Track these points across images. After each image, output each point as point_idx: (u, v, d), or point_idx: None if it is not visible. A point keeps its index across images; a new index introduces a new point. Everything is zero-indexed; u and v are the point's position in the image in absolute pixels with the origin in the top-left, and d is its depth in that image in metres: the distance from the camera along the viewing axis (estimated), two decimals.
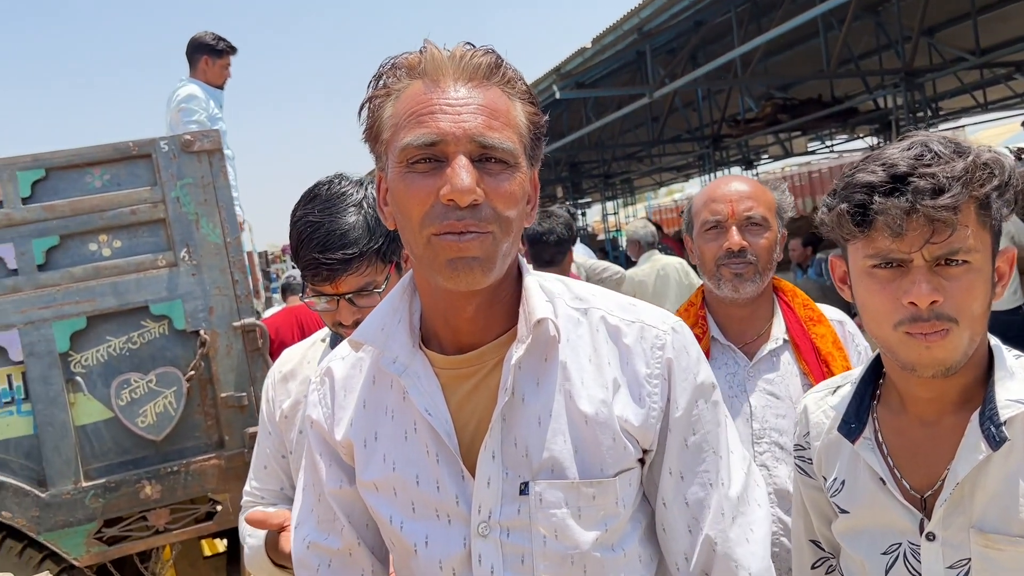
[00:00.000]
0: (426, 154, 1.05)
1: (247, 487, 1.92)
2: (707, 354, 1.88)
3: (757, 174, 17.76)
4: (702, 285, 2.00)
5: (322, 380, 1.28)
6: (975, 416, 1.21)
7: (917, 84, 10.45)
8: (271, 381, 1.88)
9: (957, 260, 1.15)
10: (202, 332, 3.09)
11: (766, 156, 18.04)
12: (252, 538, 1.79)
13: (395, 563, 1.24)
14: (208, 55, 4.76)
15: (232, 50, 4.84)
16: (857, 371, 1.38)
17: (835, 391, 1.41)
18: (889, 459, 1.29)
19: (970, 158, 1.15)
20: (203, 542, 3.85)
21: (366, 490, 1.20)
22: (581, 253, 5.65)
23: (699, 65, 9.29)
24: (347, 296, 1.62)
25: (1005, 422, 1.18)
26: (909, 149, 1.17)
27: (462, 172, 1.02)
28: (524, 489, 1.11)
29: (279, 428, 1.81)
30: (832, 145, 17.92)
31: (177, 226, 3.10)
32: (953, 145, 1.17)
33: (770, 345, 1.89)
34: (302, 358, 1.85)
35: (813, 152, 18.35)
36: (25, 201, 2.99)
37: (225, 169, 3.21)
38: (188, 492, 3.11)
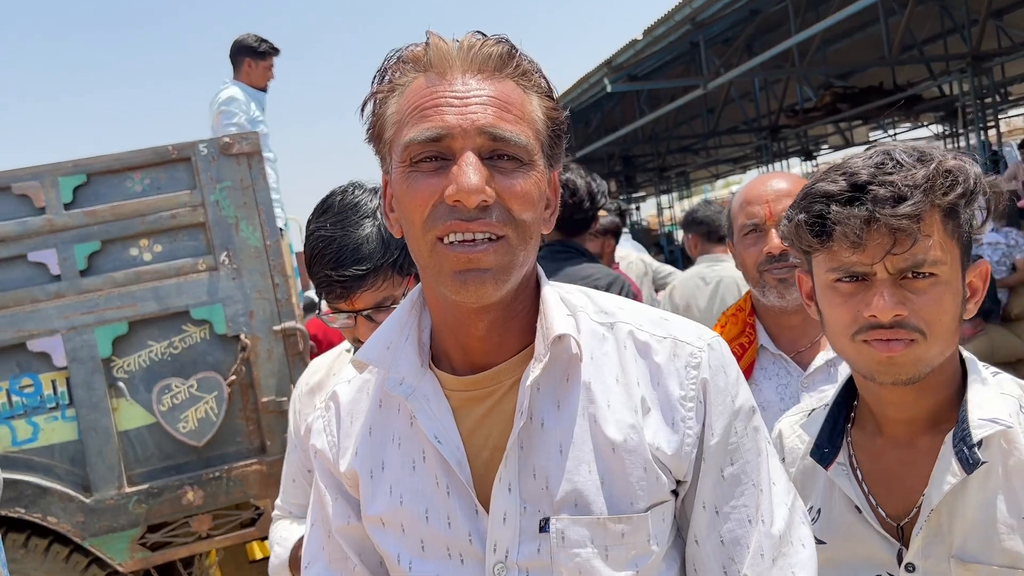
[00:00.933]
0: (431, 151, 0.95)
1: (279, 500, 1.91)
2: (754, 364, 1.75)
3: (816, 165, 17.30)
4: (750, 290, 1.87)
5: (327, 406, 1.18)
6: (949, 437, 1.13)
7: (984, 69, 10.04)
8: (298, 393, 1.85)
9: (923, 272, 1.09)
10: (243, 336, 3.06)
11: (826, 146, 17.58)
12: (279, 547, 1.79)
13: None
14: (250, 57, 4.75)
15: (274, 51, 4.82)
16: (831, 393, 1.30)
17: (809, 414, 1.31)
18: (864, 485, 1.21)
19: (932, 165, 1.09)
20: (249, 546, 3.84)
21: (372, 526, 1.09)
22: (631, 248, 5.49)
23: (755, 54, 9.05)
24: (364, 313, 1.54)
25: (980, 443, 1.10)
26: (871, 158, 1.12)
27: (469, 170, 0.92)
28: (544, 526, 1.00)
29: (304, 442, 1.76)
30: (895, 134, 17.37)
31: (217, 230, 3.07)
32: (917, 153, 1.11)
33: (827, 354, 1.74)
34: (328, 370, 1.80)
35: (875, 142, 17.81)
36: (67, 207, 3.00)
37: (264, 171, 3.17)
38: (230, 498, 3.09)
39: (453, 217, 0.94)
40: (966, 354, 1.21)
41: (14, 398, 2.97)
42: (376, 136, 1.03)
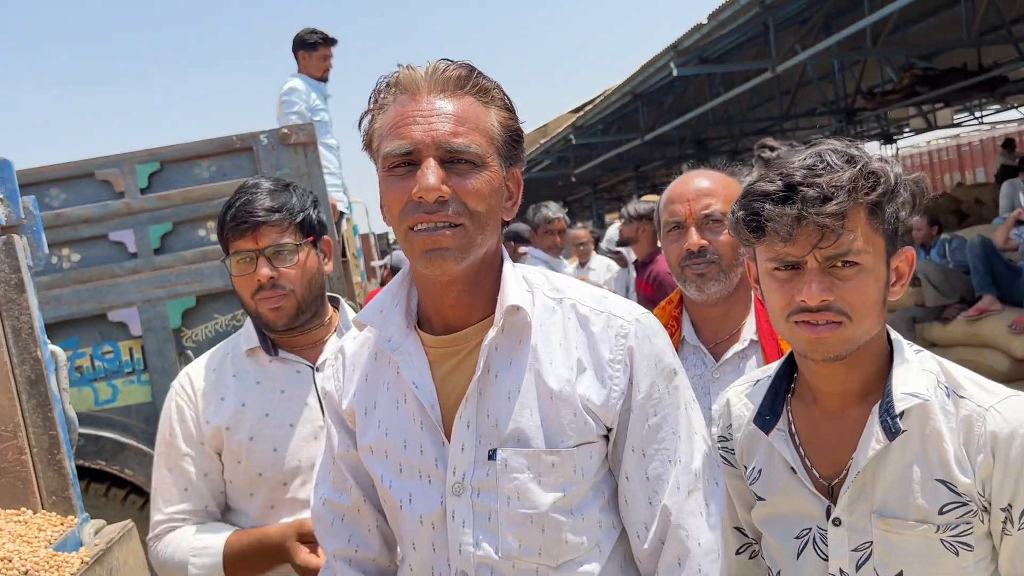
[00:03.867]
0: (403, 160, 1.19)
1: (160, 513, 1.85)
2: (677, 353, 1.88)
3: (898, 149, 16.80)
4: None
5: (336, 356, 1.45)
6: (875, 408, 1.27)
7: None
8: (185, 399, 1.86)
9: (849, 262, 1.22)
10: None
11: (908, 129, 17.02)
12: (202, 558, 1.76)
13: (388, 518, 1.39)
14: (304, 50, 5.05)
15: (327, 42, 5.09)
16: (774, 366, 1.45)
17: (755, 384, 1.46)
18: (800, 449, 1.36)
19: (858, 167, 1.21)
20: None
21: (364, 453, 1.36)
22: None
23: (833, 34, 8.89)
24: (265, 251, 1.77)
25: (901, 414, 1.25)
26: (806, 159, 1.25)
27: (428, 173, 1.17)
28: (492, 455, 1.24)
29: (211, 444, 1.81)
30: (981, 117, 16.69)
31: None
32: (847, 155, 1.24)
33: (737, 346, 1.84)
34: (217, 373, 1.88)
35: (960, 124, 17.16)
36: (143, 192, 3.32)
37: (319, 160, 3.42)
38: None
39: (419, 211, 1.18)
40: (893, 334, 1.35)
41: (96, 363, 3.32)
42: (368, 145, 1.28)
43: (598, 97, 14.37)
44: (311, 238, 1.83)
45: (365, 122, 1.27)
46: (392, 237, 11.32)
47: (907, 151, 20.84)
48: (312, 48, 5.06)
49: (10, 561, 1.51)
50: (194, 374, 1.89)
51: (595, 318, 1.28)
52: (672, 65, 9.63)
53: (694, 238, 1.82)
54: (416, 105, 1.20)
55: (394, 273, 6.89)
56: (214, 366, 1.89)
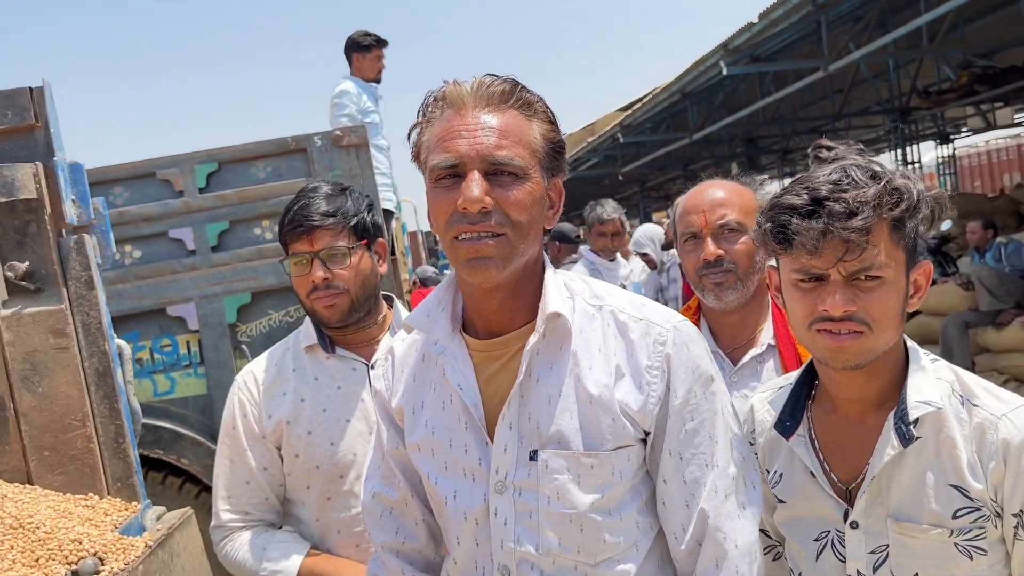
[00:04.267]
0: (449, 172, 1.25)
1: (223, 504, 1.94)
2: None
3: (955, 149, 16.40)
4: None
5: (386, 357, 1.52)
6: (891, 416, 1.31)
7: None
8: (247, 395, 1.94)
9: (871, 275, 1.26)
10: None
11: (965, 129, 16.62)
12: (272, 563, 1.85)
13: (434, 513, 1.46)
14: (357, 52, 5.14)
15: (379, 44, 5.18)
16: (795, 373, 1.48)
17: (778, 391, 1.49)
18: (820, 454, 1.40)
19: (882, 184, 1.25)
20: None
21: (411, 450, 1.43)
22: None
23: (888, 32, 8.75)
24: (319, 253, 1.85)
25: (916, 421, 1.28)
26: (831, 174, 1.28)
27: (472, 185, 1.22)
28: (533, 456, 1.29)
29: (272, 438, 1.91)
30: None
31: None
32: (871, 171, 1.27)
33: (755, 351, 1.88)
34: (279, 368, 1.97)
35: (1021, 124, 16.69)
36: (201, 191, 3.43)
37: (371, 162, 3.50)
38: None
39: (464, 221, 1.24)
40: (909, 343, 1.38)
41: (156, 356, 3.45)
42: (416, 157, 1.34)
43: (647, 96, 14.31)
44: (365, 241, 1.90)
45: (414, 135, 1.33)
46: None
47: (964, 151, 20.31)
48: (366, 50, 5.15)
49: (80, 543, 1.61)
50: (256, 370, 1.98)
51: (634, 325, 1.32)
52: (722, 64, 9.56)
53: (710, 248, 1.86)
54: (462, 120, 1.25)
55: (423, 285, 6.99)
56: (275, 361, 1.98)
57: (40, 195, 1.93)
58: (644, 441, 1.32)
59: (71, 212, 1.96)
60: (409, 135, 1.34)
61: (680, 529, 1.31)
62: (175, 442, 3.42)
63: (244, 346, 3.47)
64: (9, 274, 1.92)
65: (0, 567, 1.50)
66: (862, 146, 1.41)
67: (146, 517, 1.94)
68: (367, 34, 5.17)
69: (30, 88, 1.95)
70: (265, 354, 2.02)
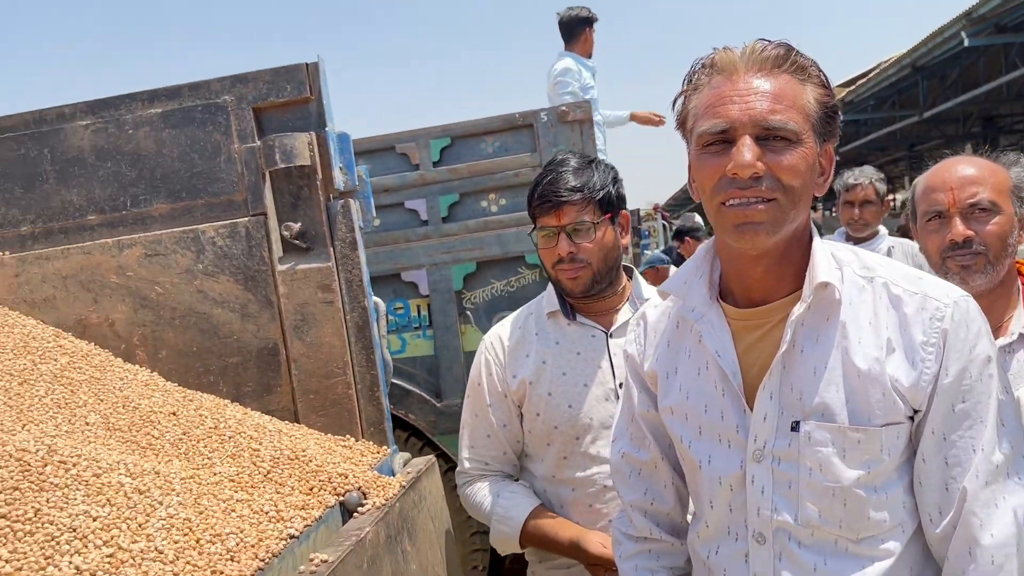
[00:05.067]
0: (718, 138, 1.25)
1: (466, 454, 2.08)
2: None
3: None
4: None
5: (638, 322, 1.55)
6: None
7: None
8: (493, 355, 2.05)
9: None
10: None
11: None
12: (505, 525, 1.96)
13: (686, 477, 1.47)
14: (578, 28, 5.16)
15: (594, 19, 5.20)
16: None
17: None
18: None
19: None
20: None
21: (664, 414, 1.45)
22: None
23: None
24: (565, 227, 1.88)
25: None
26: None
27: (744, 150, 1.21)
28: (796, 427, 1.27)
29: (515, 397, 2.01)
30: None
31: None
32: None
33: (1004, 340, 1.71)
34: (523, 331, 2.05)
35: None
36: (435, 165, 3.63)
37: (594, 137, 3.55)
38: None
39: (733, 186, 1.23)
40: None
41: (390, 317, 3.69)
42: (681, 124, 1.34)
43: (872, 70, 13.39)
44: (609, 214, 1.93)
45: (679, 103, 1.34)
46: (643, 213, 11.37)
47: None
48: (586, 24, 5.18)
49: (346, 477, 1.78)
50: (502, 333, 2.08)
51: (908, 299, 1.26)
52: (963, 35, 8.77)
53: (959, 228, 1.74)
54: (733, 85, 1.24)
55: (683, 236, 6.96)
56: (519, 324, 2.07)
57: (313, 162, 2.12)
58: (912, 419, 1.27)
59: (339, 178, 2.14)
60: (674, 103, 1.35)
61: (936, 511, 1.26)
62: (404, 398, 3.66)
63: (468, 312, 3.65)
64: (285, 233, 2.14)
65: (283, 491, 1.69)
66: None
67: (395, 461, 2.11)
68: (584, 8, 5.20)
69: (306, 64, 2.15)
70: (510, 317, 2.12)
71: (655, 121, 5.53)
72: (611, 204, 1.94)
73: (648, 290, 2.05)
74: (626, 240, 2.01)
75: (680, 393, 1.40)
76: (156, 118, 2.18)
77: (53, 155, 2.21)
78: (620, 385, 1.90)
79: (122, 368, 2.10)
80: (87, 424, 1.77)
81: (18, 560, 1.21)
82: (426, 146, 3.62)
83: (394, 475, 2.00)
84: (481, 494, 2.03)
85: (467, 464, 2.09)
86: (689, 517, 1.52)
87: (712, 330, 1.35)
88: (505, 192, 3.60)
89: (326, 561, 1.43)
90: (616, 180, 1.99)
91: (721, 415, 1.34)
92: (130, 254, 2.17)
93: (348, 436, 2.12)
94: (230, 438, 1.86)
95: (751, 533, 1.31)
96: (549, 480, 1.99)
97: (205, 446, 1.81)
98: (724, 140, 1.24)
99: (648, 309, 1.53)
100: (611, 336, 1.96)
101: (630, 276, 2.08)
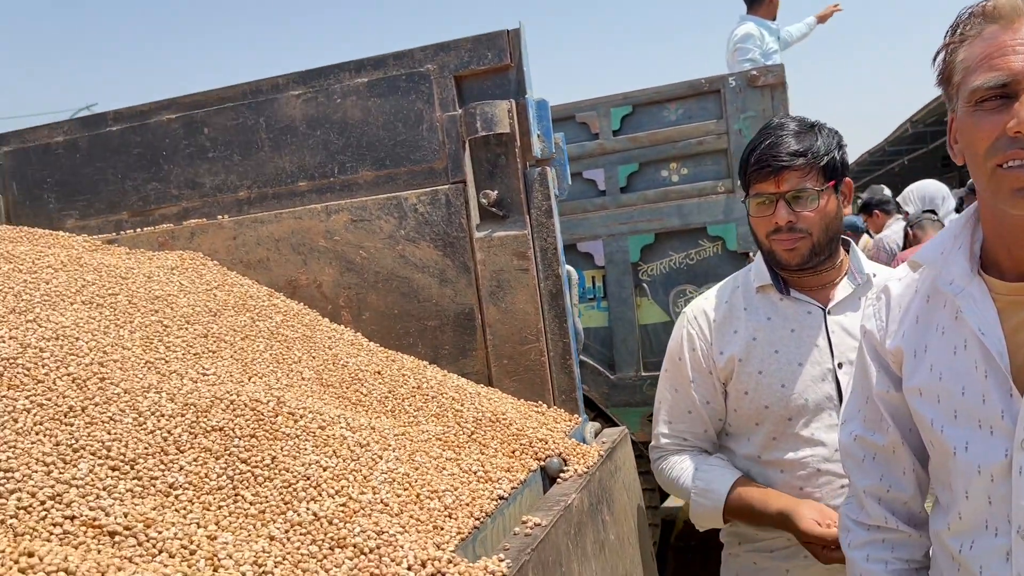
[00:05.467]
0: (996, 93, 1.12)
1: (663, 429, 2.00)
2: None
3: None
4: None
5: (878, 296, 1.44)
6: None
7: None
8: (697, 330, 1.96)
9: None
10: (751, 254, 3.38)
11: None
12: (705, 499, 1.88)
13: (932, 463, 1.36)
14: None
15: None
16: None
17: None
18: None
19: None
20: None
21: (910, 395, 1.34)
22: None
23: None
24: (785, 194, 1.76)
25: None
26: None
27: None
28: None
29: (721, 374, 1.91)
30: None
31: (737, 156, 3.38)
32: None
33: None
34: (729, 305, 1.95)
35: None
36: (615, 134, 3.58)
37: (786, 103, 3.38)
38: None
39: (1014, 146, 1.10)
40: None
41: None
42: (945, 80, 1.22)
43: None
44: (832, 181, 1.82)
45: (940, 57, 1.22)
46: None
47: None
48: None
49: (546, 443, 1.79)
50: (707, 307, 2.01)
51: None
52: None
53: None
54: (1014, 34, 1.11)
55: (870, 209, 6.55)
56: (725, 299, 1.99)
57: (512, 130, 2.13)
58: None
59: (536, 146, 2.14)
60: (935, 58, 1.23)
61: None
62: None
63: (644, 284, 3.60)
64: (483, 200, 2.16)
65: (487, 452, 1.72)
66: None
67: (586, 430, 2.10)
68: None
69: (507, 31, 2.16)
70: (714, 290, 2.05)
71: (835, 9, 5.35)
72: (835, 171, 1.82)
73: (869, 264, 1.92)
74: (848, 210, 1.89)
75: (931, 373, 1.29)
76: (362, 87, 2.25)
77: (268, 124, 2.33)
78: (839, 365, 1.80)
79: (329, 327, 2.20)
80: (303, 379, 1.87)
81: (261, 503, 1.29)
82: (606, 115, 3.57)
83: (585, 444, 2.00)
84: (678, 468, 1.97)
85: (663, 440, 2.03)
86: (927, 505, 1.42)
87: (974, 305, 1.23)
88: (687, 161, 3.50)
89: (539, 524, 1.44)
90: (840, 145, 1.86)
91: (982, 399, 1.22)
92: (337, 219, 2.27)
93: (540, 403, 2.13)
94: (433, 398, 1.91)
95: (1015, 529, 1.19)
96: (754, 461, 1.91)
97: (410, 404, 1.88)
98: (1003, 95, 1.11)
99: (891, 283, 1.42)
100: (829, 313, 1.85)
101: (847, 249, 1.95)
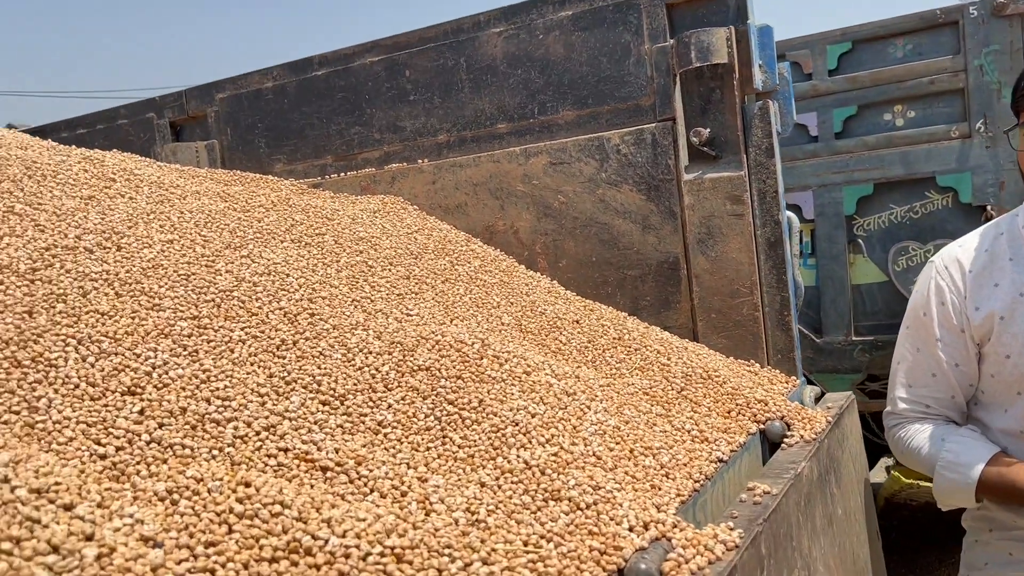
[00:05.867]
0: None
1: (900, 392, 1.75)
2: None
3: None
4: None
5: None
6: None
7: None
8: (948, 281, 1.68)
9: None
10: (989, 208, 2.99)
11: None
12: (951, 473, 1.63)
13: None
14: None
15: None
16: None
17: None
18: None
19: None
20: None
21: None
22: None
23: None
24: None
25: None
26: None
27: None
28: None
29: (976, 332, 1.63)
30: None
31: (976, 96, 2.99)
32: None
33: None
34: (990, 255, 1.63)
35: None
36: (831, 73, 3.25)
37: None
38: None
39: None
40: None
41: None
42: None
43: None
44: None
45: None
46: None
47: None
48: None
49: (766, 405, 1.62)
50: (961, 255, 1.73)
51: None
52: None
53: None
54: None
55: None
56: (986, 247, 1.71)
57: (730, 60, 1.93)
58: None
59: (758, 77, 1.94)
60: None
61: None
62: None
63: (860, 240, 3.27)
64: (694, 139, 1.99)
65: (699, 411, 1.57)
66: None
67: (804, 394, 1.90)
68: None
69: None
70: (969, 236, 1.77)
71: None
72: None
73: None
74: None
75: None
76: (566, 21, 2.12)
77: (468, 64, 2.26)
78: None
79: (526, 274, 2.13)
80: (503, 324, 1.80)
81: (470, 447, 1.22)
82: (822, 53, 3.25)
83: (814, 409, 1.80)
84: (920, 437, 1.71)
85: (902, 405, 1.78)
86: None
87: None
88: (915, 103, 3.13)
89: (769, 492, 1.29)
90: None
91: None
92: (535, 162, 2.17)
93: (752, 362, 1.95)
94: (636, 350, 1.78)
95: None
96: (1015, 436, 1.64)
97: (611, 356, 1.76)
98: None
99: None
100: None
101: None
